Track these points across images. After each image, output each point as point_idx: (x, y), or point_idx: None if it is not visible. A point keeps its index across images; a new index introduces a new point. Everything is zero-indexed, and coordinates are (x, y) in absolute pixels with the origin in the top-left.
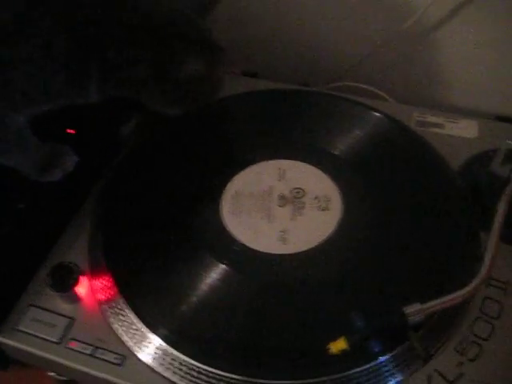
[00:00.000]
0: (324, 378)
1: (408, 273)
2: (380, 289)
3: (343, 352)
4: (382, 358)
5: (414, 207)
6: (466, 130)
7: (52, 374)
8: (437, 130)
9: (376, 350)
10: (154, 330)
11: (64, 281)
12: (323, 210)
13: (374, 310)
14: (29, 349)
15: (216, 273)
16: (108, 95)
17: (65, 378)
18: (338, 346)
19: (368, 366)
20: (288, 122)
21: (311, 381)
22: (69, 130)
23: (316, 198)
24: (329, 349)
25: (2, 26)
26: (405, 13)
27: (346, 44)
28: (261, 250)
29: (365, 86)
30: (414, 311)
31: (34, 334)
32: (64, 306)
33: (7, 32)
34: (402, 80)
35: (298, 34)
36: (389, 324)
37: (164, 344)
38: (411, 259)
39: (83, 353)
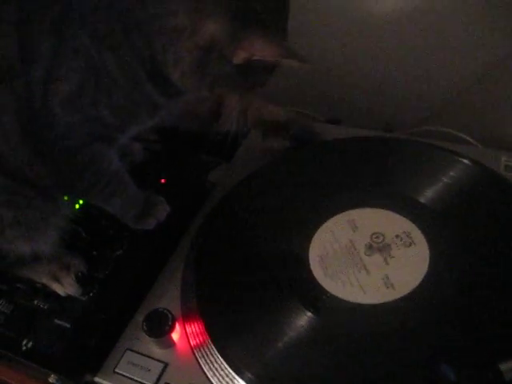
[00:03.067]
0: None
1: (503, 326)
2: (473, 341)
3: None
4: None
5: (506, 258)
6: None
7: None
8: None
9: None
10: (241, 375)
11: (159, 327)
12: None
13: (466, 363)
14: None
15: (301, 320)
16: (164, 89)
17: None
18: None
19: None
20: (374, 170)
21: None
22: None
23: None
24: None
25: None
26: (488, 55)
27: (430, 87)
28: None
29: (449, 131)
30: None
31: (131, 376)
32: (158, 351)
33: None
34: (488, 123)
35: (380, 79)
36: (483, 380)
37: None
38: (507, 312)
39: None
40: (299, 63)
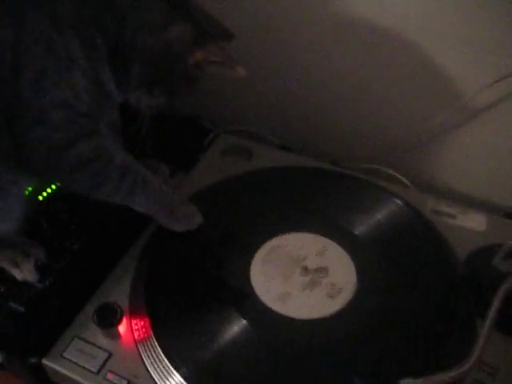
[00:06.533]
0: None
1: (409, 349)
2: (381, 361)
3: None
4: None
5: (420, 289)
6: (475, 222)
7: None
8: (449, 220)
9: None
10: (178, 370)
11: (108, 319)
12: (332, 296)
13: (374, 380)
14: (70, 375)
15: (236, 327)
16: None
17: None
18: None
19: None
20: (317, 199)
21: None
22: None
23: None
24: None
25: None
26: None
27: (376, 128)
28: (282, 312)
29: (388, 170)
30: None
31: (76, 362)
32: (105, 341)
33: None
34: (425, 167)
35: (334, 113)
36: None
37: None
38: (413, 336)
39: None
40: (236, 72)
